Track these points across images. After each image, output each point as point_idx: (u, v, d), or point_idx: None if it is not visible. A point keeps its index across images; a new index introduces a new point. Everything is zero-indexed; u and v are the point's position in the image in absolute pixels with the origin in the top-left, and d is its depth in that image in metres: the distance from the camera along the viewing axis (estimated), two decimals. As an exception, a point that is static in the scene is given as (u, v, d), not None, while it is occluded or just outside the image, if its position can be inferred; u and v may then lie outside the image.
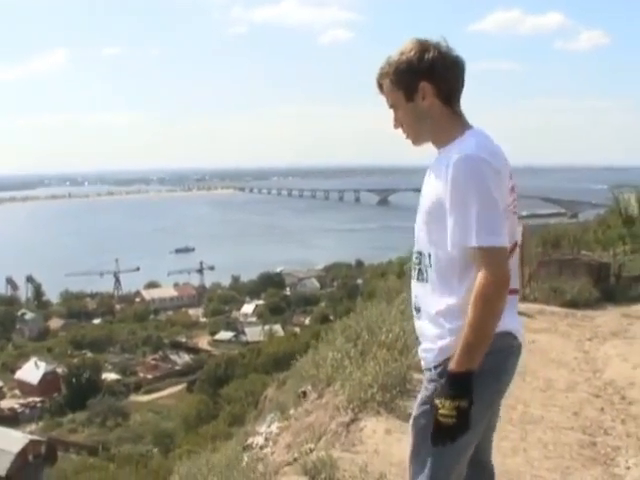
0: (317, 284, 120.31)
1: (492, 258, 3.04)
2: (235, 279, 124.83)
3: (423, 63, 3.21)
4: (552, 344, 10.04)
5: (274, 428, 8.09)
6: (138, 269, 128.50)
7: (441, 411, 3.01)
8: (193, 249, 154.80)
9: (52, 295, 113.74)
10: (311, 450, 6.04)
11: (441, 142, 3.29)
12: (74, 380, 74.49)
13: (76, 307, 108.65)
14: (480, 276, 3.03)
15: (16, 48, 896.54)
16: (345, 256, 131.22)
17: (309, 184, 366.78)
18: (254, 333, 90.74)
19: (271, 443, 7.66)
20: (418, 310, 3.38)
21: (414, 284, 3.41)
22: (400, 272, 25.21)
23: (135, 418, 65.77)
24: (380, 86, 3.38)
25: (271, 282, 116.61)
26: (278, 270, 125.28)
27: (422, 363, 3.38)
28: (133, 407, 70.58)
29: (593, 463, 5.96)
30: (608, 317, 13.69)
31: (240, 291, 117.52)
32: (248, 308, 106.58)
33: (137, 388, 78.60)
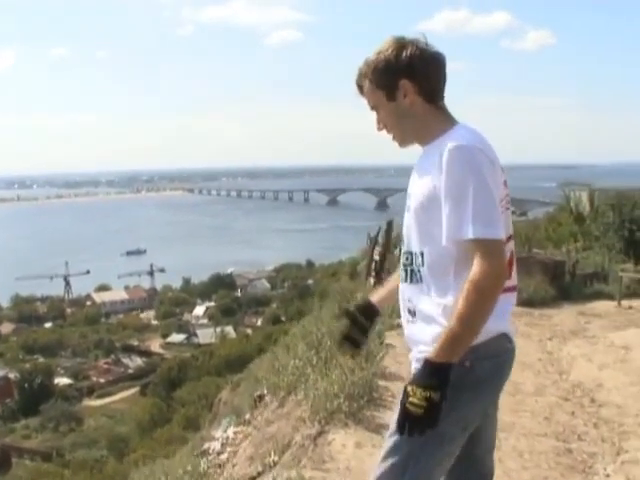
0: (268, 285, 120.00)
1: (488, 249, 2.88)
2: (186, 281, 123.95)
3: (401, 60, 3.11)
4: (514, 345, 9.91)
5: (230, 433, 7.94)
6: (88, 272, 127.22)
7: (411, 399, 2.82)
8: (145, 251, 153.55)
9: (2, 299, 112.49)
10: (275, 463, 5.84)
11: (426, 139, 3.17)
12: (26, 385, 73.70)
13: (27, 311, 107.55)
14: (475, 267, 2.87)
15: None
16: (295, 256, 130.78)
17: (258, 185, 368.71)
18: (206, 335, 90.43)
19: (229, 449, 7.48)
20: (413, 314, 3.18)
21: (405, 287, 3.22)
22: (352, 272, 25.17)
23: (89, 423, 65.25)
24: (360, 88, 3.28)
25: (222, 283, 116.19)
26: (229, 271, 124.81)
27: (413, 367, 3.16)
28: (86, 412, 70.00)
29: (571, 472, 5.83)
30: (565, 315, 13.75)
31: (191, 293, 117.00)
32: (199, 310, 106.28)
33: (90, 392, 77.95)
